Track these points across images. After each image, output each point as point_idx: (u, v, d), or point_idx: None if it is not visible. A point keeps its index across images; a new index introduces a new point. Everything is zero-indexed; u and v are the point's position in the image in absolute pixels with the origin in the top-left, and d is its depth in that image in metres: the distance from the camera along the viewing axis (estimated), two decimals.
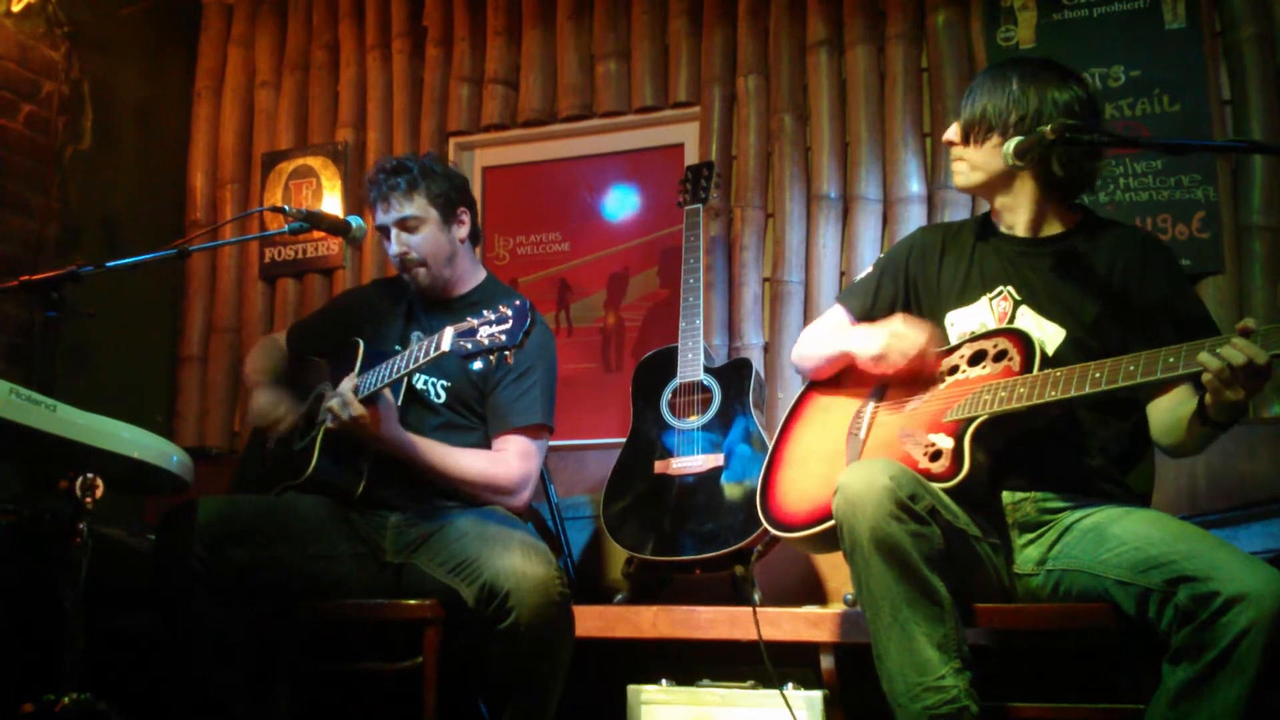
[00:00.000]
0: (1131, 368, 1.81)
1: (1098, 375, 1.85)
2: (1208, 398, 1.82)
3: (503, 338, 2.11)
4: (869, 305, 2.35)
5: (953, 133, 2.24)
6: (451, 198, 2.69)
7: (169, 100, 4.15)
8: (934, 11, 3.35)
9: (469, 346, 2.13)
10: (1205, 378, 1.76)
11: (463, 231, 2.73)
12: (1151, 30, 3.13)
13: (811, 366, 2.36)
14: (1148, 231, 2.25)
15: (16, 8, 3.49)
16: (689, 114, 3.64)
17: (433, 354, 2.20)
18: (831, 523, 1.93)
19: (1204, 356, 1.75)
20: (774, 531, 2.18)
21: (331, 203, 3.96)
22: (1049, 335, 2.11)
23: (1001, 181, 2.20)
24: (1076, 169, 2.14)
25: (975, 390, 2.02)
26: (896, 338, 2.15)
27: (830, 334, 2.33)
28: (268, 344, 2.93)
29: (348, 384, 2.36)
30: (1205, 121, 3.04)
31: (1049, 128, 2.01)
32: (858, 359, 2.22)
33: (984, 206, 3.14)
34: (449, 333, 2.17)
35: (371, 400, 2.34)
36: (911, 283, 2.34)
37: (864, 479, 1.87)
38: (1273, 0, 3.03)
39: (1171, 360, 1.78)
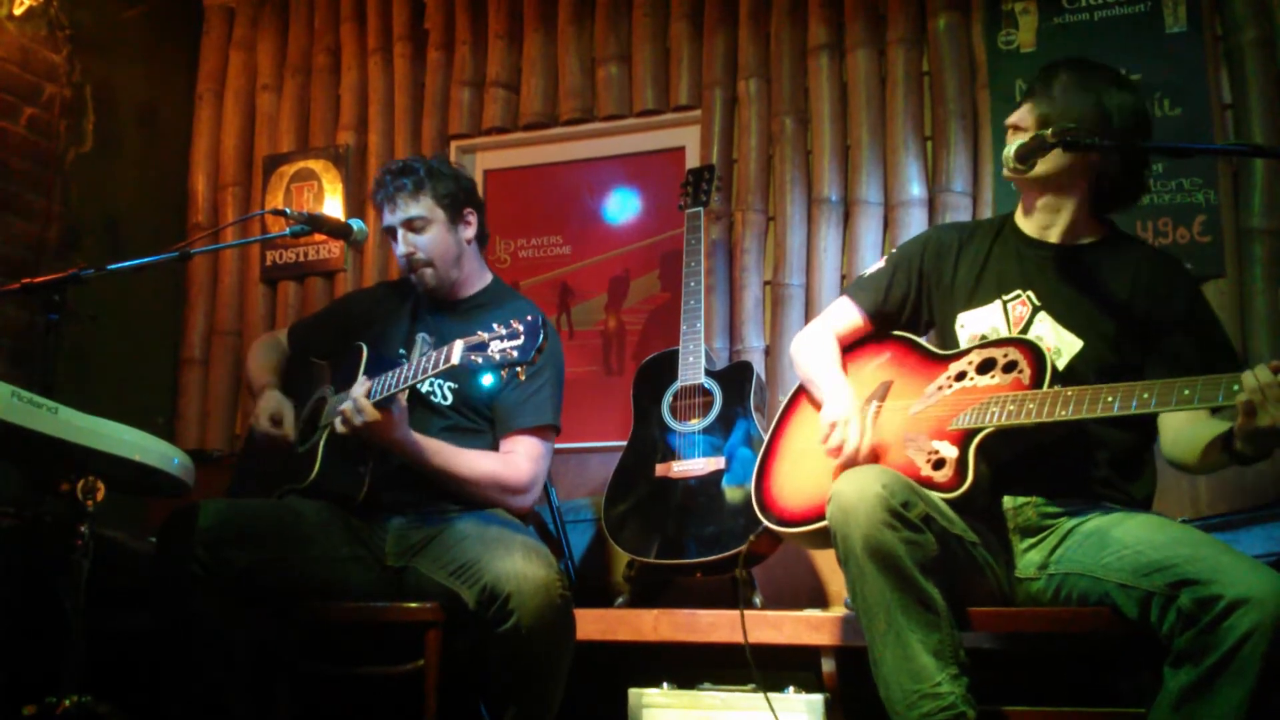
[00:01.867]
0: (1145, 395, 1.79)
1: (1110, 399, 1.83)
2: (1236, 426, 1.78)
3: (514, 353, 2.09)
4: (880, 300, 2.33)
5: (1024, 118, 2.13)
6: (458, 198, 2.69)
7: (171, 103, 4.15)
8: (935, 16, 3.35)
9: (479, 360, 2.11)
10: (1240, 397, 1.72)
11: (469, 232, 2.73)
12: (1152, 34, 3.13)
13: (799, 373, 2.37)
14: (1171, 254, 2.24)
15: (18, 10, 3.49)
16: (690, 117, 3.64)
17: (442, 366, 2.18)
18: (827, 523, 1.93)
19: (1245, 377, 1.71)
20: (769, 526, 2.18)
21: (333, 206, 3.96)
22: (1066, 344, 2.09)
23: (1056, 182, 2.14)
24: (1132, 183, 2.11)
25: (983, 400, 2.00)
26: (847, 423, 2.09)
27: (820, 356, 2.31)
28: (269, 342, 2.92)
29: (360, 388, 2.35)
30: (1206, 125, 3.04)
31: (1049, 131, 2.00)
32: (817, 400, 2.22)
33: (986, 212, 3.18)
34: (459, 346, 2.15)
35: (384, 405, 2.34)
36: (925, 280, 2.32)
37: (856, 487, 1.86)
38: (1274, 4, 3.03)
39: (1187, 393, 1.76)
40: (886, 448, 2.09)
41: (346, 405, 2.33)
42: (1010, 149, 2.09)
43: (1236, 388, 1.72)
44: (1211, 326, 2.11)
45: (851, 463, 2.05)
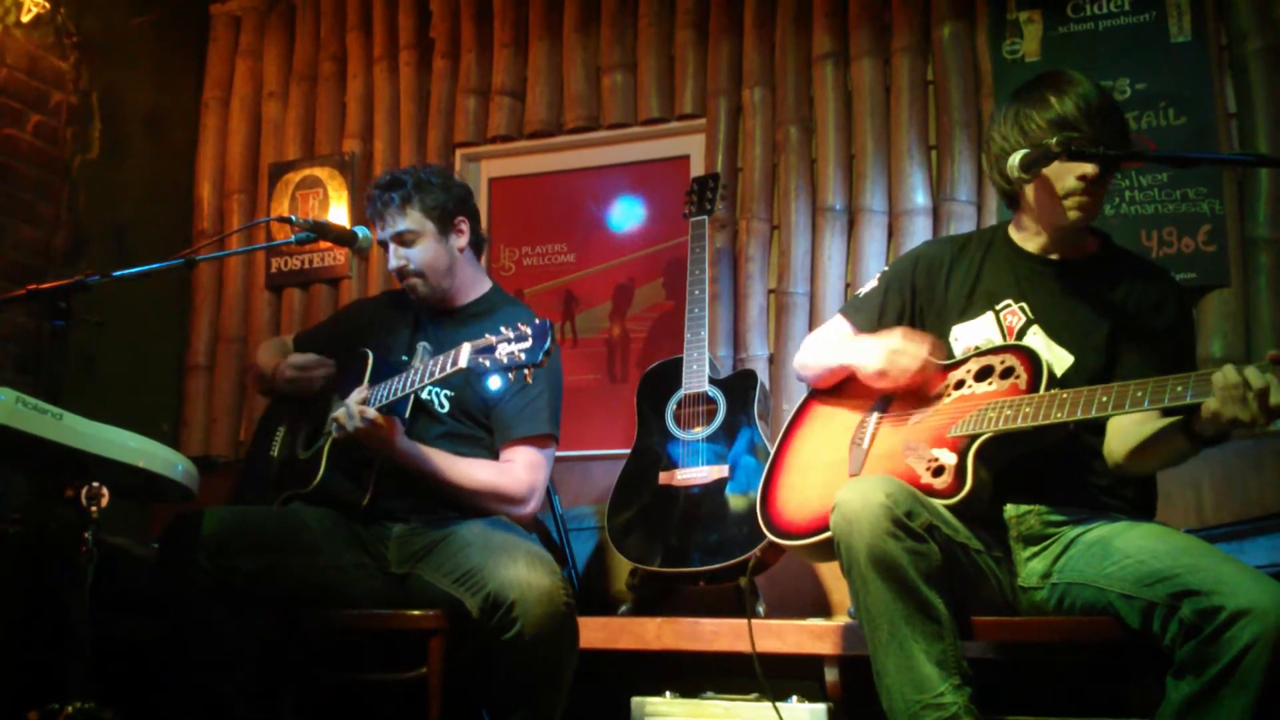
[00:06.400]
0: (1139, 394, 1.80)
1: (1104, 399, 1.84)
2: (1204, 413, 1.77)
3: (522, 356, 2.08)
4: (875, 321, 2.33)
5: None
6: (448, 208, 2.68)
7: (177, 110, 4.17)
8: (940, 24, 3.36)
9: (486, 364, 2.11)
10: (1216, 382, 1.72)
11: (461, 241, 2.72)
12: (1157, 43, 3.13)
13: (812, 375, 2.36)
14: (1163, 267, 2.26)
15: (26, 18, 3.51)
16: (695, 126, 3.64)
17: (449, 370, 2.19)
18: (830, 533, 1.93)
19: (1222, 373, 1.72)
20: (773, 539, 2.17)
21: (338, 213, 3.97)
22: (1057, 359, 2.10)
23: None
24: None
25: (981, 406, 2.01)
26: (896, 354, 2.13)
27: (833, 345, 2.33)
28: (276, 343, 2.95)
29: (356, 396, 2.36)
30: (1211, 134, 3.04)
31: (1054, 140, 2.00)
32: (859, 374, 2.21)
33: (991, 221, 3.18)
34: (466, 349, 2.16)
35: (383, 412, 2.35)
36: (918, 297, 2.32)
37: (860, 496, 1.87)
38: (1279, 13, 3.03)
39: (1179, 389, 1.76)
40: (889, 457, 2.09)
41: (340, 412, 2.34)
42: (1015, 159, 2.08)
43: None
44: (1185, 340, 2.16)
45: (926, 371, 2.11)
